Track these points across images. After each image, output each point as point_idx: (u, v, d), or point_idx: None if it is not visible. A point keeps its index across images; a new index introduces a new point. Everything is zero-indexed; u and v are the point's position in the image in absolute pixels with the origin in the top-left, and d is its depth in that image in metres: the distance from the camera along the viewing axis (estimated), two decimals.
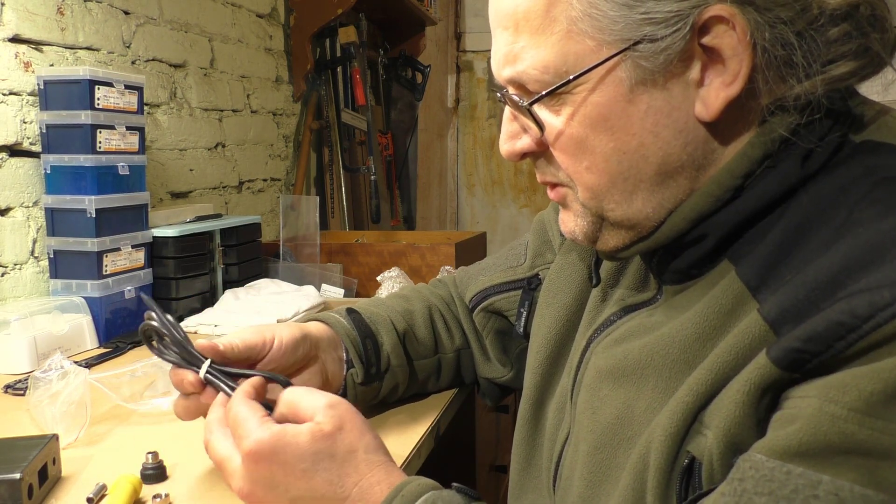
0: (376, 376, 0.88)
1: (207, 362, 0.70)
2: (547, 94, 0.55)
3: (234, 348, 0.73)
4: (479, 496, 0.61)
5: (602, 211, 0.58)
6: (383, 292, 1.42)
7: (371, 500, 0.61)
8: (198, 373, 0.69)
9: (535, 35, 0.54)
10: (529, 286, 0.88)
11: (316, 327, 0.85)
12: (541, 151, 0.60)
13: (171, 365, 0.71)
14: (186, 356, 0.70)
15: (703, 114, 0.53)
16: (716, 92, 0.52)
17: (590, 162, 0.56)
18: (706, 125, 0.54)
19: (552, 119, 0.56)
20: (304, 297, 1.51)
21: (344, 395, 0.86)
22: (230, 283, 1.60)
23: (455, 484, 0.62)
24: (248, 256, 1.66)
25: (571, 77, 0.53)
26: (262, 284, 1.57)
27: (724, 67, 0.52)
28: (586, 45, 0.52)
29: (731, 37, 0.51)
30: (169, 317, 0.70)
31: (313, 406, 0.64)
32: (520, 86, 0.57)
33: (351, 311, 0.90)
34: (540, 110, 0.57)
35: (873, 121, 0.55)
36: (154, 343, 0.71)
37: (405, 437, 0.86)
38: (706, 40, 0.51)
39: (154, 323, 0.70)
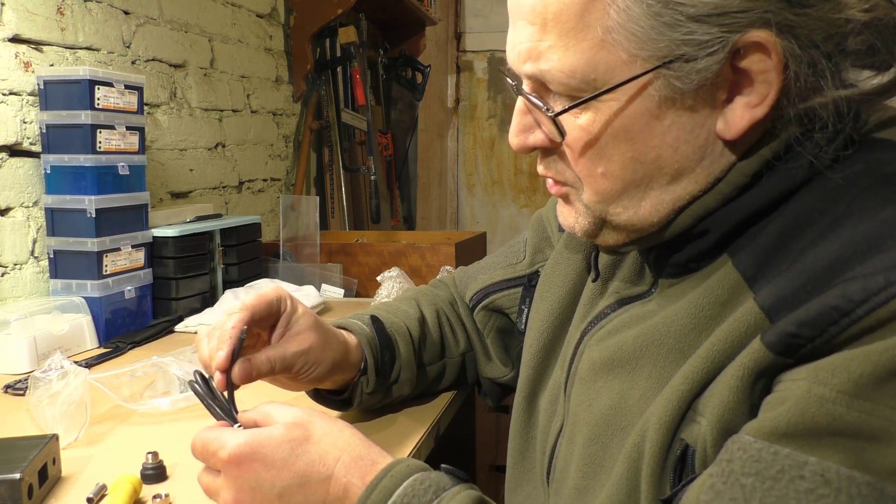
0: (385, 386, 0.89)
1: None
2: (574, 105, 0.54)
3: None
4: (467, 478, 0.62)
5: (606, 214, 0.58)
6: (383, 292, 1.42)
7: (357, 475, 0.61)
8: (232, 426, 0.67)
9: (565, 38, 0.52)
10: (530, 283, 0.88)
11: (348, 337, 0.85)
12: (552, 148, 0.59)
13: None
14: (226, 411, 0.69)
15: (724, 132, 0.53)
16: (740, 112, 0.52)
17: (605, 168, 0.55)
18: (724, 140, 0.54)
19: (573, 122, 0.55)
20: (304, 297, 1.51)
21: (350, 399, 0.87)
22: (230, 283, 1.60)
23: (444, 465, 0.62)
24: (248, 256, 1.66)
25: (602, 90, 0.52)
26: (262, 284, 1.57)
27: (751, 89, 0.51)
28: (619, 57, 0.51)
29: (766, 63, 0.50)
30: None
31: (284, 411, 0.65)
32: (540, 83, 0.56)
33: (375, 320, 0.90)
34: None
35: (877, 118, 0.55)
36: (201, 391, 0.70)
37: (405, 438, 0.86)
38: (738, 62, 0.50)
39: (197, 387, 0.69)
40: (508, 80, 0.60)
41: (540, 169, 0.62)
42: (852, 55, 0.51)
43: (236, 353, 0.70)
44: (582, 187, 0.58)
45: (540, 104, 0.56)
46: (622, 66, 0.51)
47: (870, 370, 0.42)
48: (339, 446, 0.62)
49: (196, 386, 0.69)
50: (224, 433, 0.63)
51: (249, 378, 0.71)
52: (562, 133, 0.56)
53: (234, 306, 0.75)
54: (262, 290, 0.77)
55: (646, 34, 0.50)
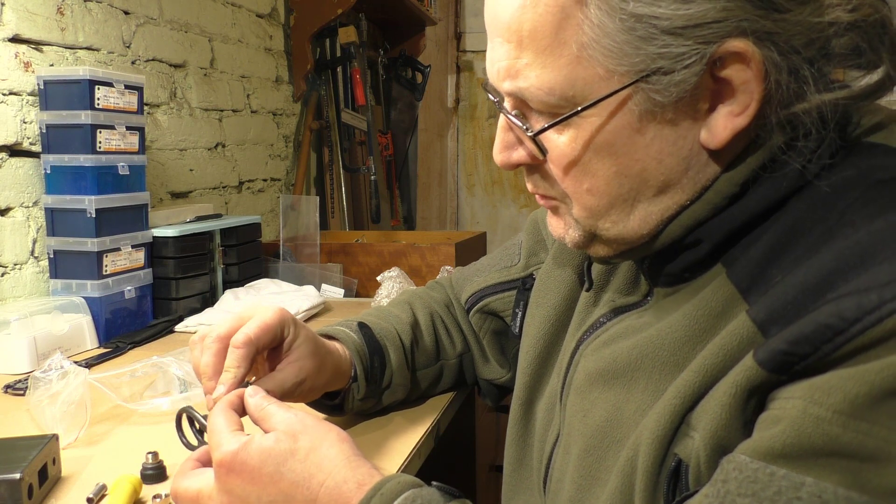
0: (376, 392, 0.88)
1: None
2: (553, 124, 0.53)
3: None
4: (460, 494, 0.60)
5: (596, 229, 0.58)
6: (383, 292, 1.42)
7: (341, 502, 0.59)
8: None
9: (541, 55, 0.52)
10: (524, 286, 0.87)
11: (339, 350, 0.84)
12: (536, 164, 0.59)
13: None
14: None
15: (708, 142, 0.52)
16: (723, 121, 0.51)
17: (590, 184, 0.55)
18: (709, 150, 0.53)
19: (555, 139, 0.55)
20: (304, 297, 1.51)
21: (342, 405, 0.86)
22: (230, 283, 1.60)
23: (435, 482, 0.61)
24: (248, 256, 1.66)
25: (582, 107, 0.52)
26: (262, 284, 1.57)
27: (733, 98, 0.51)
28: (596, 73, 0.51)
29: (745, 72, 0.49)
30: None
31: (281, 416, 0.63)
32: (521, 101, 0.55)
33: (363, 326, 0.89)
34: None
35: (869, 122, 0.54)
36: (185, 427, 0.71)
37: (405, 438, 0.86)
38: (718, 72, 0.50)
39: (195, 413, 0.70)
40: (490, 96, 0.59)
41: (529, 186, 0.61)
42: (837, 58, 0.51)
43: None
44: (571, 203, 0.58)
45: (519, 123, 0.55)
46: (600, 81, 0.51)
47: (866, 390, 0.41)
48: (325, 469, 0.60)
49: (192, 413, 0.70)
50: (224, 432, 0.63)
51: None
52: (543, 151, 0.55)
53: (239, 331, 0.71)
54: (264, 315, 0.74)
55: (621, 49, 0.49)
